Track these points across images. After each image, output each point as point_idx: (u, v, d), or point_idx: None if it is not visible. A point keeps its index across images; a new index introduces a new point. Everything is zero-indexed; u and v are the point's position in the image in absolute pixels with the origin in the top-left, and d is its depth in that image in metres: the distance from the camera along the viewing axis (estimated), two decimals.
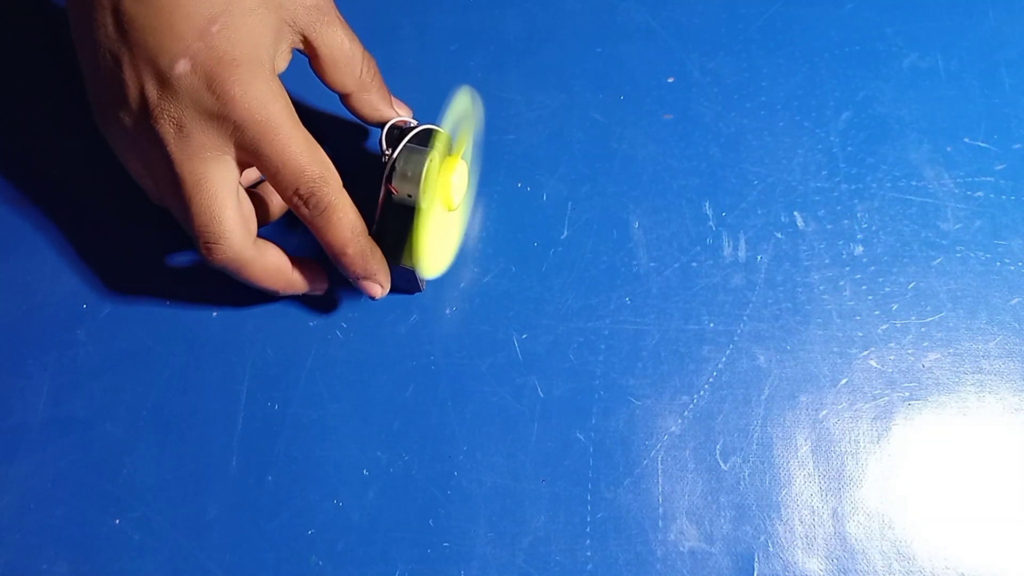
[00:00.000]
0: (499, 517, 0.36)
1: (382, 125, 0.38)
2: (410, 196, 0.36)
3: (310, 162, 0.33)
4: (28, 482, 0.36)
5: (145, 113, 0.32)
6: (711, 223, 0.40)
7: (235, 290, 0.38)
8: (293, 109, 0.34)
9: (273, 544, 0.35)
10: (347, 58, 0.36)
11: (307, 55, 0.36)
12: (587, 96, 0.42)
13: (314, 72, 0.36)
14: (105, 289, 0.39)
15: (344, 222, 0.34)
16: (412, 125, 0.38)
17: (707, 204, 0.40)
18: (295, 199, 0.33)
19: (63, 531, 0.36)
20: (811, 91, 0.42)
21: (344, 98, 0.37)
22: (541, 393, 0.37)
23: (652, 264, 0.39)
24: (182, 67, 0.32)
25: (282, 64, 0.35)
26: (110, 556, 0.35)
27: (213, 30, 0.32)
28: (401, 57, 0.43)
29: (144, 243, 0.40)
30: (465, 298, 0.39)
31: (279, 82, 0.34)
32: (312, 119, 0.37)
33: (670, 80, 0.42)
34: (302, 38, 0.35)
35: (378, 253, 0.36)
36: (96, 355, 0.38)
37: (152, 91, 0.32)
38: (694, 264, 0.39)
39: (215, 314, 0.39)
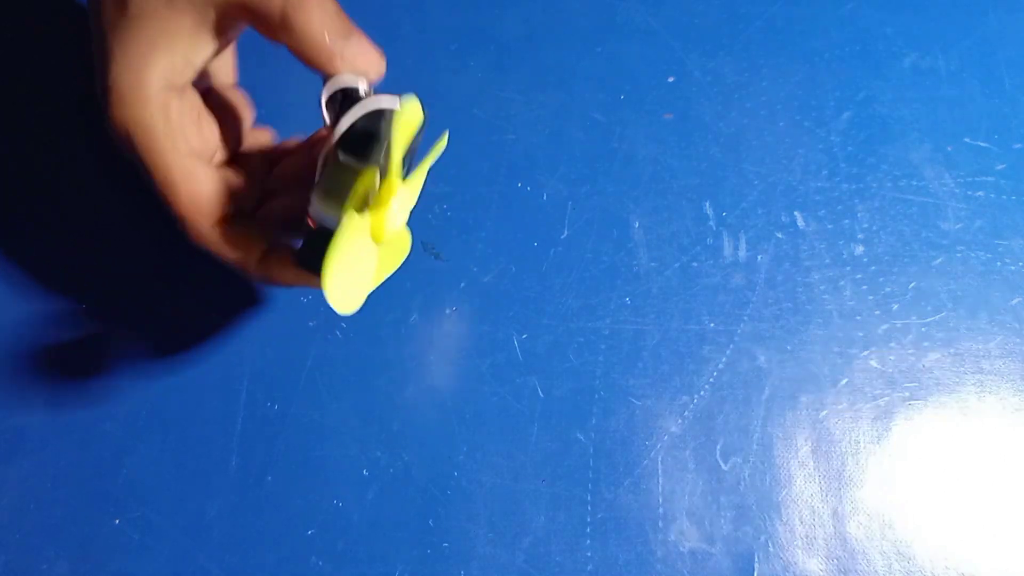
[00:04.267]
0: (499, 517, 0.36)
1: (324, 78, 0.29)
2: (330, 217, 0.28)
3: None
4: (28, 482, 0.36)
5: None
6: (711, 223, 0.40)
7: (235, 290, 0.38)
8: None
9: (273, 544, 0.35)
10: None
11: None
12: (587, 96, 0.42)
13: None
14: (105, 289, 0.39)
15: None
16: (360, 94, 0.28)
17: (707, 204, 0.40)
18: None
19: (63, 531, 0.36)
20: (811, 91, 0.42)
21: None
22: (541, 393, 0.37)
23: (652, 264, 0.39)
24: None
25: None
26: (110, 556, 0.35)
27: None
28: (401, 57, 0.43)
29: (144, 242, 0.40)
30: (465, 298, 0.39)
31: None
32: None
33: (670, 80, 0.42)
34: None
35: None
36: (96, 355, 0.38)
37: None
38: (694, 264, 0.39)
39: (215, 314, 0.39)
